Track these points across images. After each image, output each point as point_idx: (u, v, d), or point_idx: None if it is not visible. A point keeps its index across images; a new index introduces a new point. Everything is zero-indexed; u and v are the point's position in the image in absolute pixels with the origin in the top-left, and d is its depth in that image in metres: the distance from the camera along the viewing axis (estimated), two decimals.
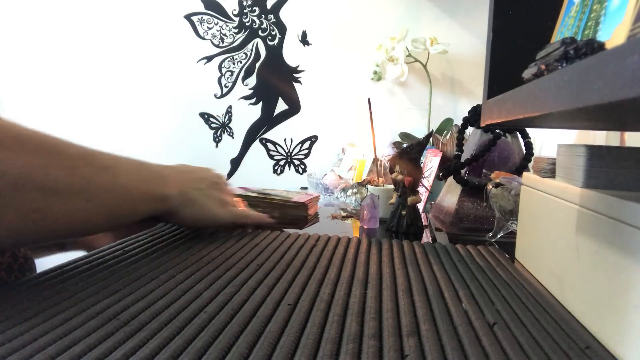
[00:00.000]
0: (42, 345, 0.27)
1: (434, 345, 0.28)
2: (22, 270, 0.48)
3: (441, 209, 0.80)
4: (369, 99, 0.85)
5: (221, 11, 1.43)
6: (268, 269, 0.43)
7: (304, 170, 1.46)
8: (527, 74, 0.35)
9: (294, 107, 1.45)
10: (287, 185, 1.43)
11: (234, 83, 1.46)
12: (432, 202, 0.90)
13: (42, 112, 1.51)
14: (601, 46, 0.26)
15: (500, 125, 0.68)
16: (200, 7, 1.44)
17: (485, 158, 0.74)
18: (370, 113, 0.85)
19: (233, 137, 1.48)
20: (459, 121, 0.82)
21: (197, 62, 1.46)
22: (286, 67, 1.43)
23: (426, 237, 0.66)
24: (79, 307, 0.32)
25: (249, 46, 1.44)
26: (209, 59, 1.46)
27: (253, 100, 1.46)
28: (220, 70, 1.46)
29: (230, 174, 1.50)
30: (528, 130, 0.76)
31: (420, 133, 1.31)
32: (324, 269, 0.44)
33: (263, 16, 1.42)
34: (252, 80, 1.45)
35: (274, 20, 1.41)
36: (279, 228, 0.65)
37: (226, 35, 1.44)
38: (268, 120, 1.46)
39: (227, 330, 0.29)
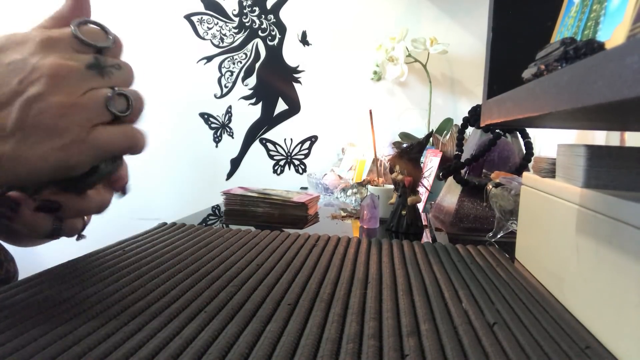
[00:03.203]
0: (42, 345, 0.27)
1: (434, 345, 0.28)
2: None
3: (441, 209, 0.80)
4: (370, 111, 0.85)
5: (221, 11, 1.43)
6: (268, 269, 0.43)
7: (304, 170, 1.46)
8: (527, 74, 0.35)
9: (294, 107, 1.44)
10: (287, 185, 1.43)
11: (234, 83, 1.46)
12: (432, 202, 0.90)
13: None
14: (601, 46, 0.26)
15: (500, 125, 0.68)
16: (200, 7, 1.44)
17: (485, 158, 0.74)
18: (372, 123, 0.85)
19: (233, 137, 1.48)
20: (459, 121, 0.82)
21: (197, 62, 1.46)
22: (286, 67, 1.43)
23: (426, 237, 0.66)
24: (79, 307, 0.32)
25: (249, 46, 1.44)
26: (209, 59, 1.46)
27: (253, 100, 1.46)
28: (220, 71, 1.46)
29: (230, 174, 1.50)
30: (528, 130, 0.76)
31: (420, 133, 1.31)
32: (324, 269, 0.44)
33: (263, 16, 1.42)
34: (252, 81, 1.45)
35: (274, 20, 1.41)
36: (279, 228, 0.65)
37: (226, 36, 1.44)
38: (268, 120, 1.46)
39: (227, 330, 0.29)
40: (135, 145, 0.31)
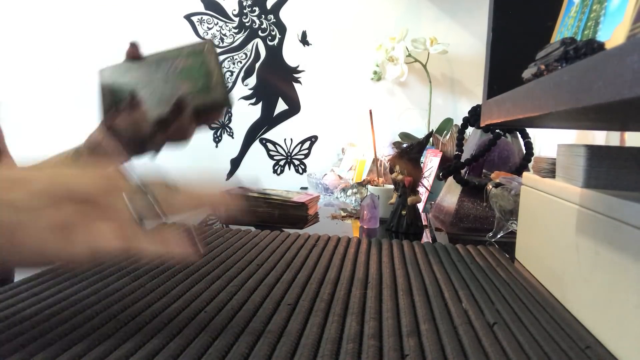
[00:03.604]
0: (42, 344, 0.27)
1: (434, 345, 0.28)
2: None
3: (441, 209, 0.80)
4: (370, 111, 0.85)
5: (221, 11, 1.43)
6: (268, 269, 0.43)
7: (304, 170, 1.46)
8: (527, 74, 0.35)
9: (294, 107, 1.44)
10: (287, 185, 1.43)
11: (234, 83, 1.45)
12: (432, 202, 0.90)
13: (41, 113, 1.51)
14: (601, 46, 0.26)
15: (500, 125, 0.68)
16: (200, 7, 1.44)
17: (485, 158, 0.74)
18: (372, 123, 0.85)
19: (233, 137, 1.48)
20: (459, 121, 0.82)
21: None
22: (286, 67, 1.43)
23: (426, 237, 0.66)
24: (79, 307, 0.32)
25: (249, 46, 1.44)
26: None
27: (253, 100, 1.46)
28: None
29: (230, 174, 1.50)
30: (528, 130, 0.76)
31: (420, 133, 1.31)
32: (324, 269, 0.44)
33: (263, 16, 1.42)
34: (252, 81, 1.45)
35: (274, 20, 1.41)
36: (279, 228, 0.65)
37: (226, 36, 1.44)
38: (268, 121, 1.46)
39: (227, 330, 0.29)
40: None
